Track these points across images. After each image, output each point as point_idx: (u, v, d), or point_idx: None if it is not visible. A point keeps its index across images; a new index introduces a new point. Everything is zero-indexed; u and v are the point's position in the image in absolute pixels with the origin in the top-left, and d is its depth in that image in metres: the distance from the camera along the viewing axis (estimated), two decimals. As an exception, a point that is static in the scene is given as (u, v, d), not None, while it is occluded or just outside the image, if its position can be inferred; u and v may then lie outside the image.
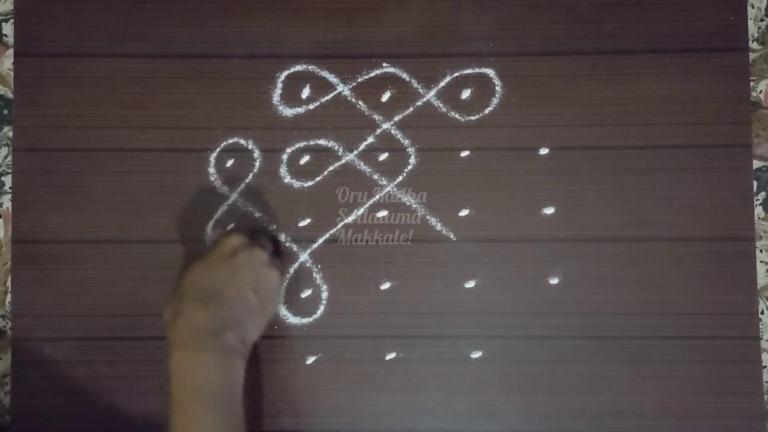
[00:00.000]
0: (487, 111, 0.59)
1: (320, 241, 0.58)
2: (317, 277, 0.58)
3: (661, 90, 0.58)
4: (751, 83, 0.59)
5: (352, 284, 0.58)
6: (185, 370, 0.47)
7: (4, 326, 0.58)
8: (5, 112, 0.59)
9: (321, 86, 0.59)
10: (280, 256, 0.57)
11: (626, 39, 0.58)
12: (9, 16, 0.60)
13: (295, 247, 0.58)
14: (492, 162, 0.58)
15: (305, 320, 0.58)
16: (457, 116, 0.59)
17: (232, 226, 0.58)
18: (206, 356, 0.47)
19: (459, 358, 0.57)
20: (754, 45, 0.59)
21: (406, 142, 0.59)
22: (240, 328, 0.49)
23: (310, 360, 0.58)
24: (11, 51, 0.59)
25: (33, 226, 0.58)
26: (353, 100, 0.59)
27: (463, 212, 0.58)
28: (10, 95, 0.59)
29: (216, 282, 0.49)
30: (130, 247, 0.58)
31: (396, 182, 0.59)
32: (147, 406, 0.57)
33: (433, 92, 0.59)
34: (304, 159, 0.59)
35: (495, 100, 0.59)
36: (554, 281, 0.58)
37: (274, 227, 0.58)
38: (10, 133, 0.59)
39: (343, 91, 0.59)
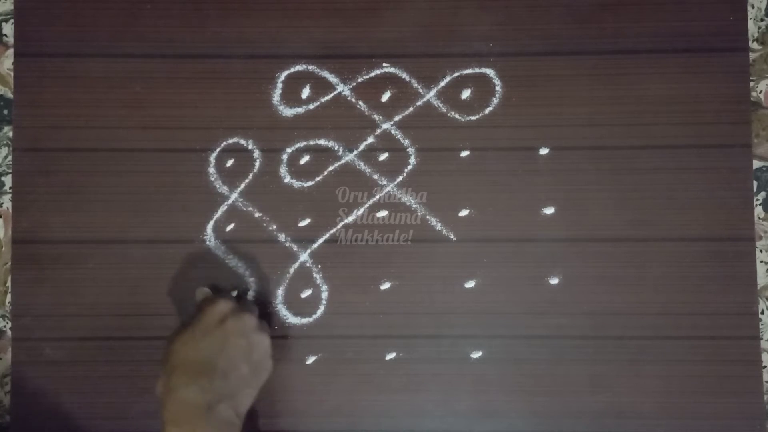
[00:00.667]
0: (487, 111, 0.59)
1: (320, 241, 0.58)
2: (317, 277, 0.58)
3: (661, 90, 0.58)
4: (751, 83, 0.59)
5: (352, 284, 0.58)
6: None
7: (4, 326, 0.58)
8: (5, 112, 0.59)
9: (321, 86, 0.59)
10: (267, 318, 0.57)
11: (626, 39, 0.59)
12: (9, 16, 0.60)
13: (295, 247, 0.58)
14: (492, 162, 0.58)
15: (305, 320, 0.58)
16: (457, 116, 0.59)
17: (212, 289, 0.55)
18: None
19: (459, 358, 0.57)
20: (754, 45, 0.59)
21: (406, 142, 0.59)
22: (233, 399, 0.48)
23: (310, 360, 0.58)
24: (11, 51, 0.59)
25: (33, 226, 0.58)
26: (353, 100, 0.59)
27: (463, 212, 0.58)
28: (10, 95, 0.59)
29: (206, 353, 0.48)
30: (130, 247, 0.58)
31: (396, 182, 0.59)
32: (147, 406, 0.57)
33: (433, 92, 0.59)
34: (304, 159, 0.59)
35: (495, 100, 0.59)
36: (554, 281, 0.58)
37: (274, 227, 0.58)
38: (10, 133, 0.59)
39: (343, 91, 0.59)
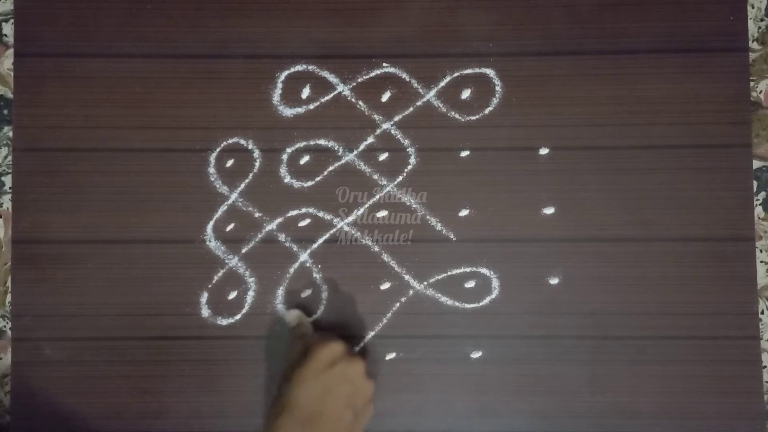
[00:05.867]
0: (487, 111, 0.59)
1: (320, 241, 0.58)
2: (317, 277, 0.58)
3: (661, 90, 0.58)
4: (751, 83, 0.59)
5: (352, 284, 0.58)
6: None
7: (4, 326, 0.58)
8: (5, 112, 0.59)
9: (321, 86, 0.59)
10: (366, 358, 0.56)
11: (626, 39, 0.59)
12: (9, 16, 0.60)
13: (295, 247, 0.58)
14: (492, 162, 0.58)
15: (305, 320, 0.58)
16: (457, 116, 0.59)
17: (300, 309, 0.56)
18: None
19: (459, 358, 0.57)
20: (754, 45, 0.59)
21: (406, 142, 0.59)
22: None
23: (310, 360, 0.57)
24: (11, 51, 0.59)
25: (33, 226, 0.58)
26: (353, 100, 0.59)
27: (463, 212, 0.58)
28: (10, 95, 0.59)
29: (314, 398, 0.48)
30: (130, 247, 0.58)
31: (396, 182, 0.59)
32: (147, 406, 0.57)
33: (433, 92, 0.59)
34: (304, 159, 0.59)
35: (495, 100, 0.59)
36: (554, 281, 0.58)
37: (274, 227, 0.58)
38: (10, 133, 0.59)
39: (343, 91, 0.59)
